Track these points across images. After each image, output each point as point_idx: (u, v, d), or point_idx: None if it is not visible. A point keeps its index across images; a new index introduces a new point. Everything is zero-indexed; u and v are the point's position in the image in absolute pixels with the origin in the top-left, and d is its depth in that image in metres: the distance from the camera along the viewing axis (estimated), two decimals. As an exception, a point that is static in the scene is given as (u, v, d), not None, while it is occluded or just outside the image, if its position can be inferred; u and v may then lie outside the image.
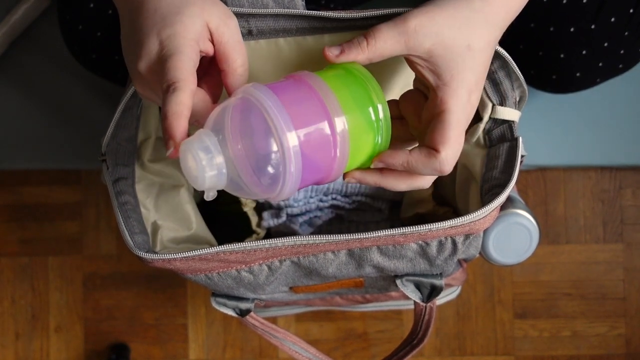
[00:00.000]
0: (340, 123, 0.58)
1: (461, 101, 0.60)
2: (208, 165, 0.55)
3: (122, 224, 0.70)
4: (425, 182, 0.65)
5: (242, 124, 0.56)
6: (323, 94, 0.58)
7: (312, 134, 0.57)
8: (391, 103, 0.65)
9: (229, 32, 0.60)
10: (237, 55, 0.60)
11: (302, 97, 0.58)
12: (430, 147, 0.61)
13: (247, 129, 0.56)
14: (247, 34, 0.70)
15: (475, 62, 0.61)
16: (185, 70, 0.56)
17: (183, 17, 0.58)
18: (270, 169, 0.56)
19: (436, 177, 0.65)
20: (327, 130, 0.57)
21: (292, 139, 0.55)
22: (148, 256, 0.68)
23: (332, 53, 0.61)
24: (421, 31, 0.60)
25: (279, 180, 0.56)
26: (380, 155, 0.62)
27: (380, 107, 0.60)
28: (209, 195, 0.58)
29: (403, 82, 0.74)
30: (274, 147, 0.55)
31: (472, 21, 0.60)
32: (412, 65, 0.62)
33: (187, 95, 0.56)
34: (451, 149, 0.61)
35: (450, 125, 0.60)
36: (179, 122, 0.55)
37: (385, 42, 0.60)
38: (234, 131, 0.56)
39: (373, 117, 0.60)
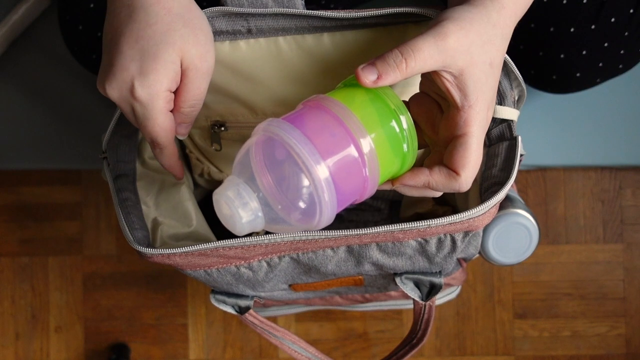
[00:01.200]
0: (366, 144, 0.57)
1: (483, 122, 0.61)
2: (244, 212, 0.56)
3: (123, 219, 0.71)
4: (437, 192, 0.65)
5: (269, 162, 0.56)
6: (343, 117, 0.57)
7: (341, 160, 0.57)
8: None
9: (195, 75, 0.64)
10: (190, 97, 0.65)
11: (324, 124, 0.57)
12: (451, 168, 0.61)
13: (276, 167, 0.56)
14: (247, 33, 0.70)
15: (494, 79, 0.61)
16: (163, 133, 0.64)
17: (158, 64, 0.61)
18: (304, 203, 0.56)
19: None
20: (355, 154, 0.57)
21: (322, 170, 0.55)
22: (147, 251, 0.69)
23: (368, 80, 0.58)
24: (459, 49, 0.58)
25: (316, 211, 0.56)
26: (401, 178, 0.62)
27: (403, 118, 0.60)
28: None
29: (404, 81, 0.74)
30: (306, 182, 0.55)
31: (492, 37, 0.60)
32: (439, 78, 0.60)
33: (172, 150, 0.67)
34: (471, 170, 0.61)
35: (472, 148, 0.60)
36: (178, 169, 0.70)
37: (426, 61, 0.58)
38: (262, 171, 0.56)
39: (397, 130, 0.59)
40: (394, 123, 0.59)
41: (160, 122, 0.63)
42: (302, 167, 0.55)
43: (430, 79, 0.63)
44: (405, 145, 0.60)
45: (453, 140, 0.61)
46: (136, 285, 1.32)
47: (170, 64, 0.61)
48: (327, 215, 0.57)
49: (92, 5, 0.88)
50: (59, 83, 1.17)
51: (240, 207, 0.56)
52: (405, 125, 0.60)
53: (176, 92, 0.64)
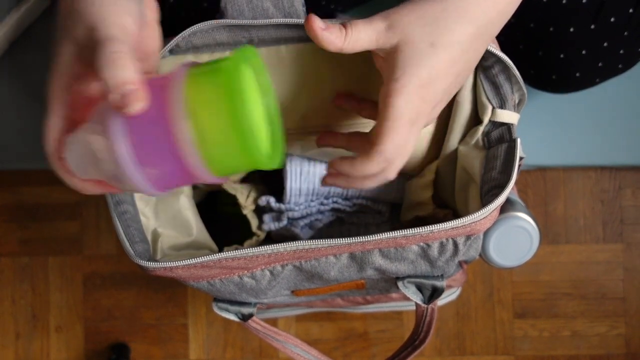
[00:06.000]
0: (185, 128, 0.53)
1: (407, 97, 0.60)
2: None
3: (122, 233, 0.70)
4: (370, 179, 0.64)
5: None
6: (172, 90, 0.54)
7: (146, 138, 0.55)
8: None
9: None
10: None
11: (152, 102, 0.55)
12: (369, 140, 0.61)
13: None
14: (248, 43, 0.70)
15: (436, 59, 0.60)
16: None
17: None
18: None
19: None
20: (166, 134, 0.54)
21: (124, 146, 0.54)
22: (149, 265, 0.68)
23: (317, 24, 0.61)
24: (391, 30, 0.60)
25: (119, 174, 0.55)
26: (323, 135, 0.62)
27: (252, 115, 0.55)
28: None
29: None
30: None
31: (441, 20, 0.60)
32: (376, 58, 0.63)
33: (121, 44, 0.54)
34: (388, 145, 0.60)
35: (388, 118, 0.59)
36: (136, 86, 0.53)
37: (360, 34, 0.61)
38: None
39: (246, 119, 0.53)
40: (238, 114, 0.53)
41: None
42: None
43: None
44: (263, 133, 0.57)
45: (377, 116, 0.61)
46: (136, 285, 1.32)
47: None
48: (130, 179, 0.55)
49: (92, 6, 0.88)
50: (58, 83, 1.17)
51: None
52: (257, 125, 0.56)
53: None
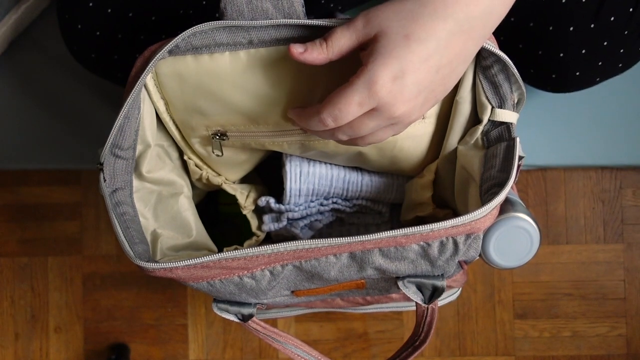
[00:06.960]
0: None
1: (371, 79, 0.62)
2: None
3: (122, 235, 0.70)
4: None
5: None
6: None
7: None
8: None
9: None
10: None
11: None
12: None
13: None
14: (248, 44, 0.70)
15: (408, 50, 0.61)
16: None
17: None
18: None
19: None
20: None
21: None
22: (149, 266, 0.68)
23: (296, 50, 0.65)
24: (369, 25, 0.63)
25: None
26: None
27: None
28: None
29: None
30: None
31: (416, 14, 0.62)
32: (360, 53, 0.65)
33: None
34: (326, 105, 0.64)
35: (346, 88, 0.63)
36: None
37: (340, 40, 0.64)
38: None
39: None
40: None
41: None
42: None
43: None
44: None
45: None
46: (136, 285, 1.32)
47: None
48: None
49: (91, 5, 0.88)
50: (58, 83, 1.17)
51: None
52: None
53: None
